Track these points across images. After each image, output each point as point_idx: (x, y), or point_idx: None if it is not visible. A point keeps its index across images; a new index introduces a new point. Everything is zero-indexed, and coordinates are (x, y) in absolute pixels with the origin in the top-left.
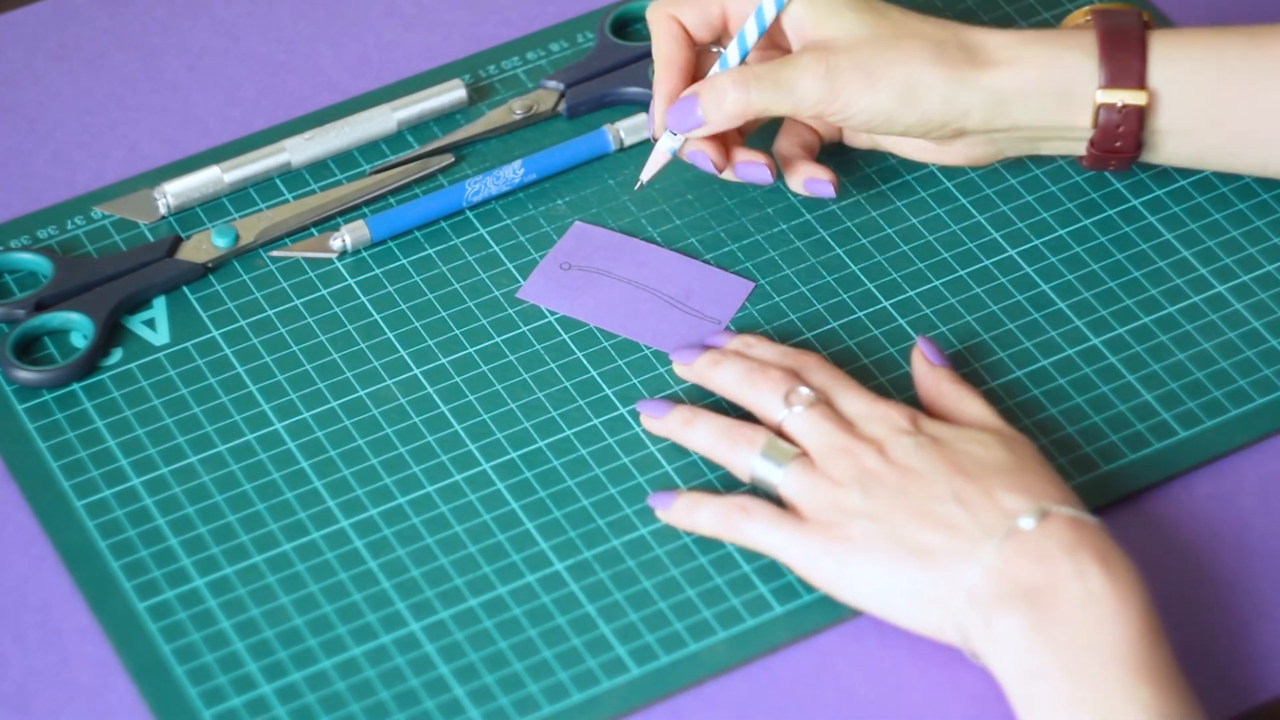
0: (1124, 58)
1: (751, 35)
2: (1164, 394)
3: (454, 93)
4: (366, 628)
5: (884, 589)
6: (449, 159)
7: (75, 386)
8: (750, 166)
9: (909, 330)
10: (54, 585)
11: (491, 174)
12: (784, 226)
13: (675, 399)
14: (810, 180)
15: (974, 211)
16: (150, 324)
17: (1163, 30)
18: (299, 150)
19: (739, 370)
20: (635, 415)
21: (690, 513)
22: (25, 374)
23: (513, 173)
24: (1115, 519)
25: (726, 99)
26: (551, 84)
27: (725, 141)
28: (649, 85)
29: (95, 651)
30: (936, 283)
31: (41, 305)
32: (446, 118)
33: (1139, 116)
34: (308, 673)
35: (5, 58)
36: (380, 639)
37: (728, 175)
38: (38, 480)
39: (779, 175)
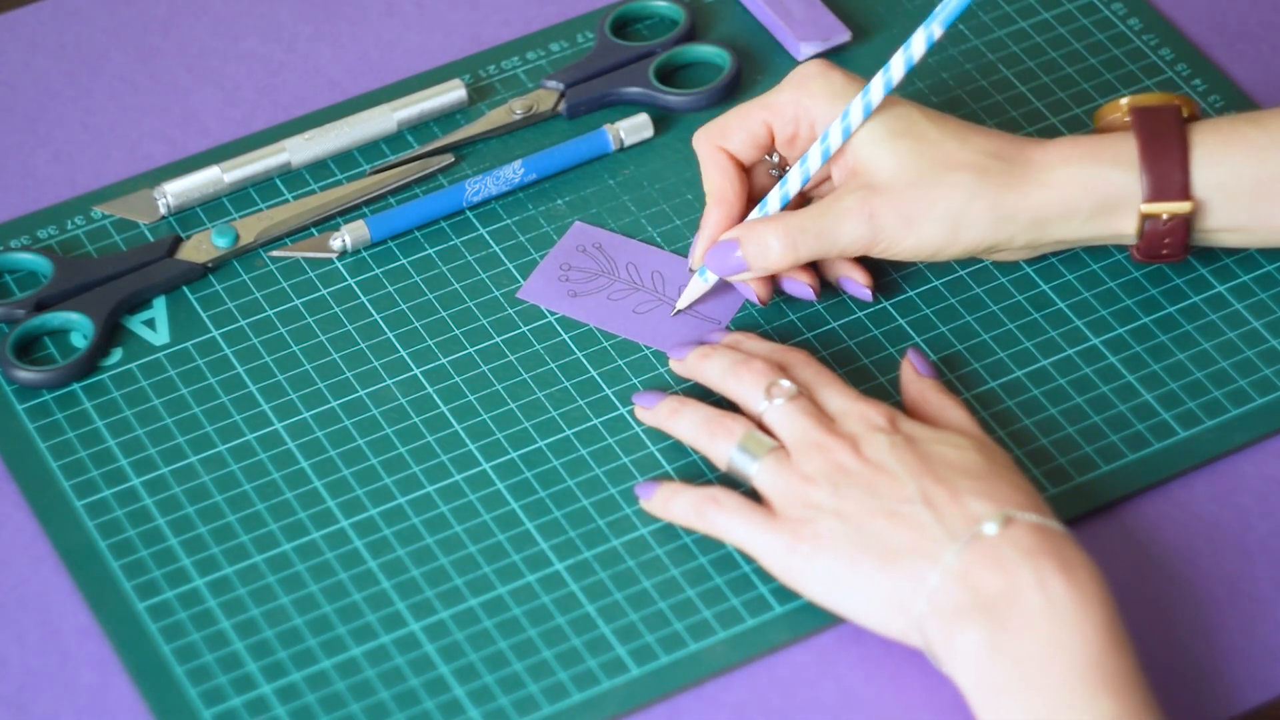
0: (1166, 170)
1: (794, 186)
2: (1164, 394)
3: (454, 93)
4: (366, 628)
5: (848, 590)
6: (449, 159)
7: (75, 386)
8: (795, 284)
9: (909, 330)
10: (54, 585)
11: (491, 174)
12: None
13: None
14: (846, 279)
15: None
16: (150, 324)
17: (1201, 127)
18: (299, 150)
19: (725, 362)
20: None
21: (666, 502)
22: (25, 374)
23: (513, 173)
24: (1115, 519)
25: (772, 253)
26: (551, 84)
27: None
28: (649, 85)
29: (95, 651)
30: (936, 283)
31: (41, 305)
32: (446, 118)
33: (1185, 225)
34: (308, 673)
35: (5, 58)
36: (380, 639)
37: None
38: (38, 480)
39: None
